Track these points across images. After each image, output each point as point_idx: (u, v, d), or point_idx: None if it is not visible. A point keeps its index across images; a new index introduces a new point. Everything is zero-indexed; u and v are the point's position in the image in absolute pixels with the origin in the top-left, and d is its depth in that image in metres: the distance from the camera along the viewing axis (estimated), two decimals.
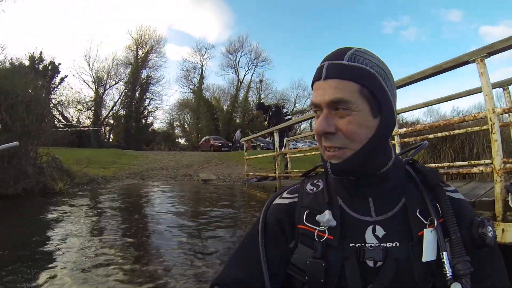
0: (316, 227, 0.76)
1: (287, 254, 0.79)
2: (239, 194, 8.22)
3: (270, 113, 8.60)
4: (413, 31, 72.02)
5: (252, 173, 8.53)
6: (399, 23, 72.88)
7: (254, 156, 8.58)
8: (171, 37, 74.46)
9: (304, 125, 45.43)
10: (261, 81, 49.77)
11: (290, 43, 71.79)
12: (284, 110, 8.80)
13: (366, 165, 0.74)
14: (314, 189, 0.85)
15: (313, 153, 6.46)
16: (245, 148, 8.75)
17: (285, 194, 0.88)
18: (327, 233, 0.75)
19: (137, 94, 43.23)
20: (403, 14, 72.42)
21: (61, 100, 38.47)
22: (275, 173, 6.25)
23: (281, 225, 0.82)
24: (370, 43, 71.18)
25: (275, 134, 6.27)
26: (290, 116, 8.90)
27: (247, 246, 0.83)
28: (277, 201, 0.87)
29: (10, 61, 31.97)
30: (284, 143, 8.69)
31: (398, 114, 3.44)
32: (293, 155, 8.09)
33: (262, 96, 49.36)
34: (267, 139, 28.12)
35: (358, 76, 0.71)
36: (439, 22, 69.13)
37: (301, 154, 7.24)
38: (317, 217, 0.76)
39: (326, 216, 0.75)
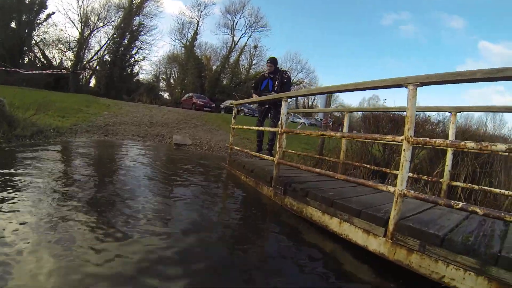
0: None
1: None
2: (217, 172, 6.14)
3: (280, 77, 6.98)
4: (411, 27, 70.57)
5: (238, 148, 6.49)
6: (400, 16, 71.41)
7: (244, 127, 6.45)
8: None
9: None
10: (255, 46, 49.97)
11: (290, 16, 69.94)
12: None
13: None
14: None
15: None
16: (233, 114, 6.61)
17: None
18: None
19: (125, 41, 40.98)
20: (404, 10, 70.90)
21: (44, 38, 35.98)
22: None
23: None
24: (366, 30, 69.97)
25: (284, 102, 4.40)
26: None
27: None
28: None
29: None
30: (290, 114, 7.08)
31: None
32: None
33: (254, 62, 49.69)
34: (252, 105, 26.59)
35: None
36: (440, 25, 67.80)
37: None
38: None
39: None
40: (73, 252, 2.22)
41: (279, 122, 4.39)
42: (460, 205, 2.20)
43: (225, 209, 3.90)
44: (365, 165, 5.97)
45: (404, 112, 3.14)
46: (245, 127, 6.45)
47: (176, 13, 71.35)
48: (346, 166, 6.26)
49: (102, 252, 2.27)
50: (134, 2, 40.83)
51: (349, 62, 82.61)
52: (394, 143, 3.04)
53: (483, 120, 7.48)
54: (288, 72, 7.26)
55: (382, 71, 75.93)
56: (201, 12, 48.15)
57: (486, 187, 4.63)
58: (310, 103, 46.65)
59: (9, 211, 2.79)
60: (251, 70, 48.01)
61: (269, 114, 7.23)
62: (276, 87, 6.91)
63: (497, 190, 4.21)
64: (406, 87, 2.64)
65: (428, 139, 2.58)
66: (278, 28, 77.07)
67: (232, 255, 2.62)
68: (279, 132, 4.36)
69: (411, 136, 2.57)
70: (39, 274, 1.93)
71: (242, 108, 26.51)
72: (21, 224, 2.56)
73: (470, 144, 2.22)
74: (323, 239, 3.11)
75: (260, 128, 6.13)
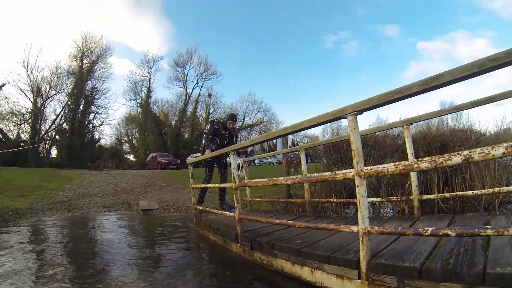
0: None
1: None
2: (185, 234, 6.14)
3: (234, 131, 7.52)
4: (353, 44, 74.34)
5: (201, 207, 6.50)
6: (339, 37, 75.04)
7: (202, 186, 6.57)
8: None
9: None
10: (209, 95, 51.09)
11: (235, 58, 72.63)
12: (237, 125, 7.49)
13: None
14: None
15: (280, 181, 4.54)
16: (190, 173, 6.55)
17: None
18: None
19: (81, 107, 40.83)
20: (343, 29, 74.79)
21: None
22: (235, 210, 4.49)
23: None
24: (313, 57, 72.84)
25: (232, 156, 4.43)
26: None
27: None
28: None
29: None
30: (241, 164, 7.22)
31: None
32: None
33: (211, 110, 50.73)
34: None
35: None
36: (378, 37, 71.94)
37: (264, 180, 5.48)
38: None
39: None
40: None
41: (232, 177, 4.39)
42: (429, 232, 2.16)
43: (198, 272, 3.90)
44: (332, 200, 5.93)
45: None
46: (202, 185, 6.59)
47: (126, 72, 72.00)
48: (314, 203, 6.26)
49: None
50: (84, 66, 41.27)
51: (303, 91, 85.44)
52: (346, 178, 2.79)
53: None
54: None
55: (336, 93, 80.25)
56: (150, 68, 49.34)
57: (458, 192, 4.53)
58: (273, 142, 47.31)
59: None
60: (209, 119, 48.73)
61: (216, 166, 7.52)
62: (235, 141, 7.40)
63: (470, 193, 4.16)
64: (346, 118, 2.60)
65: (380, 168, 2.53)
66: (228, 71, 79.38)
67: None
68: (234, 187, 4.35)
69: (361, 170, 2.50)
70: None
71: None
72: None
73: (424, 164, 2.17)
74: None
75: (219, 185, 6.22)
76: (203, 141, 7.63)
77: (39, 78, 37.55)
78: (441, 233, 2.11)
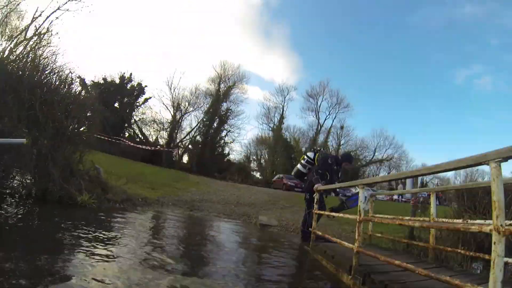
0: None
1: None
2: (299, 253, 6.21)
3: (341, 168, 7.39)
4: (488, 79, 66.07)
5: (320, 233, 6.29)
6: (471, 71, 67.71)
7: (325, 213, 6.41)
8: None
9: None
10: (342, 127, 52.01)
11: (365, 89, 71.33)
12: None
13: None
14: None
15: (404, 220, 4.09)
16: (315, 199, 6.54)
17: None
18: None
19: (215, 124, 45.89)
20: (475, 63, 67.21)
21: (142, 118, 43.14)
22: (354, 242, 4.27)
23: None
24: (443, 93, 67.18)
25: (360, 190, 4.34)
26: None
27: None
28: None
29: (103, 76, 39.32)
30: (367, 197, 6.95)
31: None
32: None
33: (342, 142, 51.30)
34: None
35: None
36: None
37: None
38: None
39: None
40: None
41: (358, 210, 4.27)
42: None
43: None
44: (459, 250, 5.12)
45: None
46: (326, 213, 6.45)
47: (258, 98, 77.74)
48: (438, 250, 5.60)
49: None
50: (221, 90, 46.60)
51: (434, 129, 76.67)
52: (482, 232, 2.37)
53: None
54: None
55: (469, 132, 71.26)
56: (284, 97, 52.03)
57: None
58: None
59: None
60: (340, 151, 48.37)
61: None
62: (340, 177, 7.29)
63: None
64: (487, 165, 2.31)
65: None
66: (360, 106, 77.67)
67: None
68: (358, 220, 4.24)
69: (501, 225, 2.14)
70: None
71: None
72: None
73: None
74: None
75: (337, 214, 6.18)
76: (300, 166, 7.69)
77: (180, 96, 44.84)
78: None
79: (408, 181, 8.87)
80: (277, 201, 14.80)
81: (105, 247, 4.23)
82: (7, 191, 6.39)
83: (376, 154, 52.17)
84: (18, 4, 10.97)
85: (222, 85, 46.87)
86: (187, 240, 6.03)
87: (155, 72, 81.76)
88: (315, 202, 6.60)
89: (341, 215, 5.99)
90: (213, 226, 8.08)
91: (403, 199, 29.95)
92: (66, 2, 11.83)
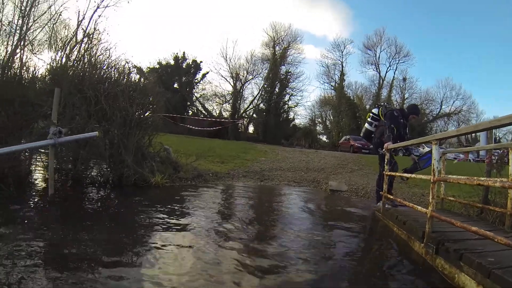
0: None
1: None
2: (370, 219, 6.36)
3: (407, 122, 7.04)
4: None
5: (391, 197, 6.18)
6: None
7: (397, 174, 6.24)
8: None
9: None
10: (404, 79, 49.73)
11: (429, 38, 65.75)
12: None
13: None
14: None
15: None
16: (386, 160, 6.24)
17: None
18: None
19: (276, 89, 45.87)
20: None
21: (203, 94, 45.08)
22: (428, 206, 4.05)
23: None
24: None
25: (434, 146, 4.00)
26: None
27: None
28: None
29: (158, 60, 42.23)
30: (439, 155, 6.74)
31: None
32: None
33: (406, 95, 49.32)
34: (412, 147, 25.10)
35: None
36: None
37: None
38: None
39: None
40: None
41: (432, 169, 3.95)
42: None
43: (368, 262, 3.99)
44: None
45: None
46: (398, 174, 6.22)
47: (316, 57, 75.60)
48: None
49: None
50: (276, 53, 46.35)
51: (507, 77, 68.41)
52: None
53: None
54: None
55: None
56: (341, 52, 50.50)
57: None
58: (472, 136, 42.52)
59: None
60: (404, 105, 46.59)
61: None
62: (408, 133, 6.96)
63: None
64: None
65: None
66: (420, 53, 72.10)
67: None
68: (432, 180, 3.89)
69: None
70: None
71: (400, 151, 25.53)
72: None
73: None
74: None
75: (408, 175, 5.88)
76: (367, 125, 7.38)
77: (237, 66, 45.35)
78: None
79: (482, 137, 8.34)
80: (346, 164, 14.90)
81: (180, 220, 4.90)
82: (88, 181, 7.12)
83: (443, 107, 49.80)
84: (60, 15, 11.59)
85: (277, 48, 46.55)
86: (259, 209, 6.51)
87: (208, 47, 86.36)
88: (385, 162, 6.30)
89: (413, 175, 5.65)
90: (284, 194, 8.42)
91: (472, 158, 28.24)
92: (102, 0, 12.30)
